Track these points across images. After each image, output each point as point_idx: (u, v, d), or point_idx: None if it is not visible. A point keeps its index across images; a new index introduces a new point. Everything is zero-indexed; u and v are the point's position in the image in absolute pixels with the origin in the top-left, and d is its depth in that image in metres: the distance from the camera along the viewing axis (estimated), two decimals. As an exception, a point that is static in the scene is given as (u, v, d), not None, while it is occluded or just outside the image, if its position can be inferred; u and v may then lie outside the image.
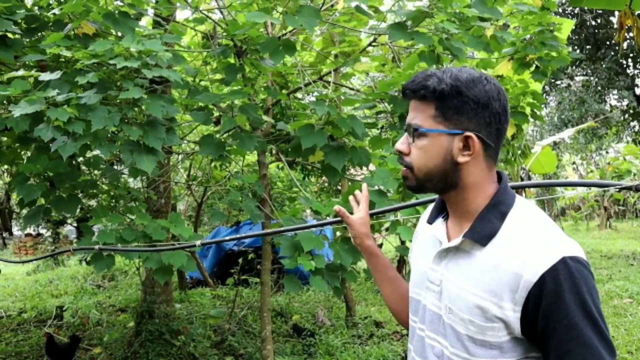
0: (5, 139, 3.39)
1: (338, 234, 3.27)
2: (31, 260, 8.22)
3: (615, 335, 5.01)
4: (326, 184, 7.44)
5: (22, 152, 3.59)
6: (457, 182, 1.07)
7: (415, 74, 1.08)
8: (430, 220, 1.19)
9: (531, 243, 1.00)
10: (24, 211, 3.45)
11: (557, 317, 0.95)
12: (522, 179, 8.43)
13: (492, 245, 1.03)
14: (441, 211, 1.19)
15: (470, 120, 1.03)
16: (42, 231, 13.52)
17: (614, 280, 7.67)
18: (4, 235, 15.82)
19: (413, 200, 2.41)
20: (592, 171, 20.26)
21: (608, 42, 10.15)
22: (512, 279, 0.98)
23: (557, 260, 0.96)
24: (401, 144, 1.09)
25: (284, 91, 4.11)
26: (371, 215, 1.51)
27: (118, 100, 2.60)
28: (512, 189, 1.13)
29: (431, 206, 1.26)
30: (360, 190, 1.43)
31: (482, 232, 1.04)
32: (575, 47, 10.31)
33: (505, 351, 1.01)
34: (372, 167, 3.73)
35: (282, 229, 2.53)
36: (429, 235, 1.20)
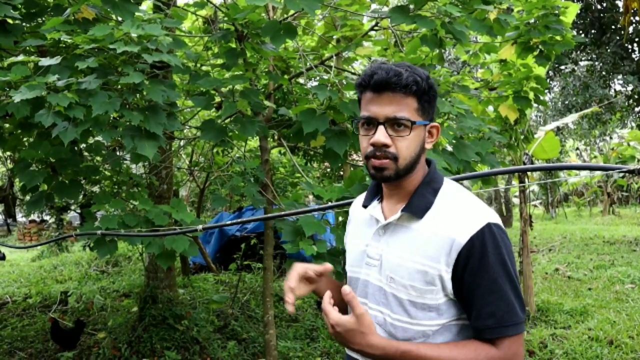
0: (7, 125, 3.38)
1: (340, 219, 3.27)
2: (35, 246, 8.26)
3: (617, 320, 5.02)
4: (328, 170, 7.43)
5: (24, 139, 3.59)
6: (417, 166, 1.19)
7: (374, 67, 1.15)
8: (366, 203, 1.30)
9: (460, 212, 1.14)
10: (27, 197, 3.46)
11: (482, 273, 1.09)
12: (524, 164, 8.40)
13: (427, 217, 1.17)
14: (375, 195, 1.30)
15: (433, 110, 1.19)
16: (46, 218, 13.58)
17: (616, 266, 7.69)
18: (8, 221, 15.93)
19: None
20: (595, 157, 20.21)
21: (613, 26, 10.02)
22: (446, 243, 1.11)
23: (482, 225, 1.10)
24: (385, 137, 1.14)
25: (285, 76, 4.08)
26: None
27: (119, 86, 2.59)
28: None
29: (362, 195, 1.38)
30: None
31: (418, 206, 1.18)
32: (580, 32, 10.17)
33: (442, 312, 1.14)
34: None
35: (283, 213, 2.53)
36: (365, 218, 1.31)
